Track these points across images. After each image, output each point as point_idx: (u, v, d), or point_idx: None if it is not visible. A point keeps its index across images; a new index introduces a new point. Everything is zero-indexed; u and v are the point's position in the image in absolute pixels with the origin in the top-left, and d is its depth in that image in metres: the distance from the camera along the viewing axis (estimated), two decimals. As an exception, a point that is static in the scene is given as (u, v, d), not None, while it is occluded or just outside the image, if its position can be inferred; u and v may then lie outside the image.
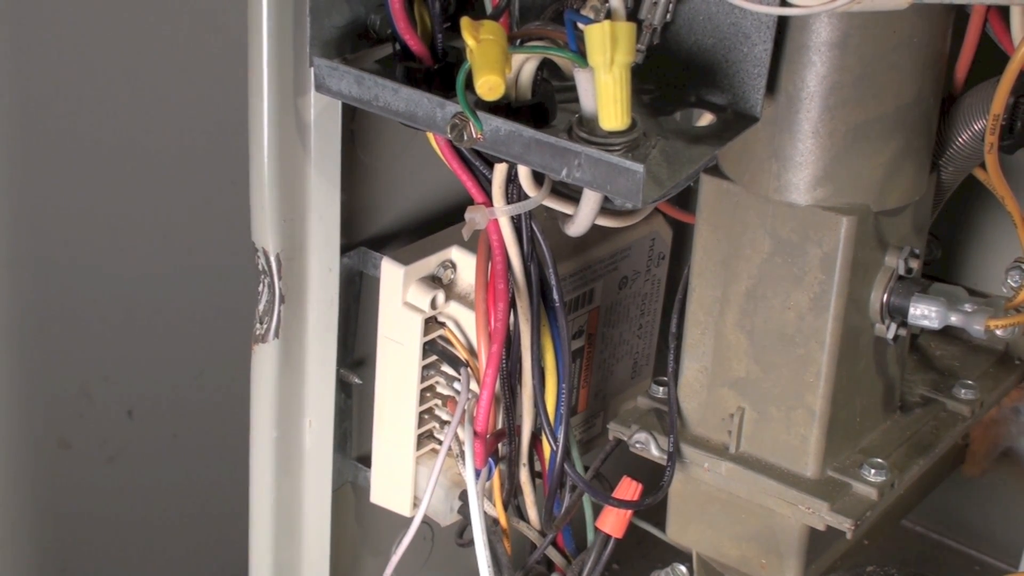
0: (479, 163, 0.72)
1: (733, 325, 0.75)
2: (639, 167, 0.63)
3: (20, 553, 1.07)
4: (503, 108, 0.66)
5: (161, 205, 1.01)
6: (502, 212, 0.72)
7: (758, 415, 0.76)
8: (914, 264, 0.75)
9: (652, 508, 0.77)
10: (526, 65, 0.66)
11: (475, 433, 0.77)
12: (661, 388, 0.80)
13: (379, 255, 0.78)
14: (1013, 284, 0.81)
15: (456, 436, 0.77)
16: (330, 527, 0.83)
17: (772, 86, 0.70)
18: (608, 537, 0.77)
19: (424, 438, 0.81)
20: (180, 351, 1.11)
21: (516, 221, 0.73)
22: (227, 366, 0.74)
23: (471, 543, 0.77)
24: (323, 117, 0.74)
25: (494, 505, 0.80)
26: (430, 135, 0.72)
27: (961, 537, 1.01)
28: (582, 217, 0.72)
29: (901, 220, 0.74)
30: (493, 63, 0.63)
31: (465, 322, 0.78)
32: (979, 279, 0.93)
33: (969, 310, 0.74)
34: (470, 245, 0.77)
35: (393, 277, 0.77)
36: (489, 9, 0.68)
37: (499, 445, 0.79)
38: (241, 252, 0.77)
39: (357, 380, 0.82)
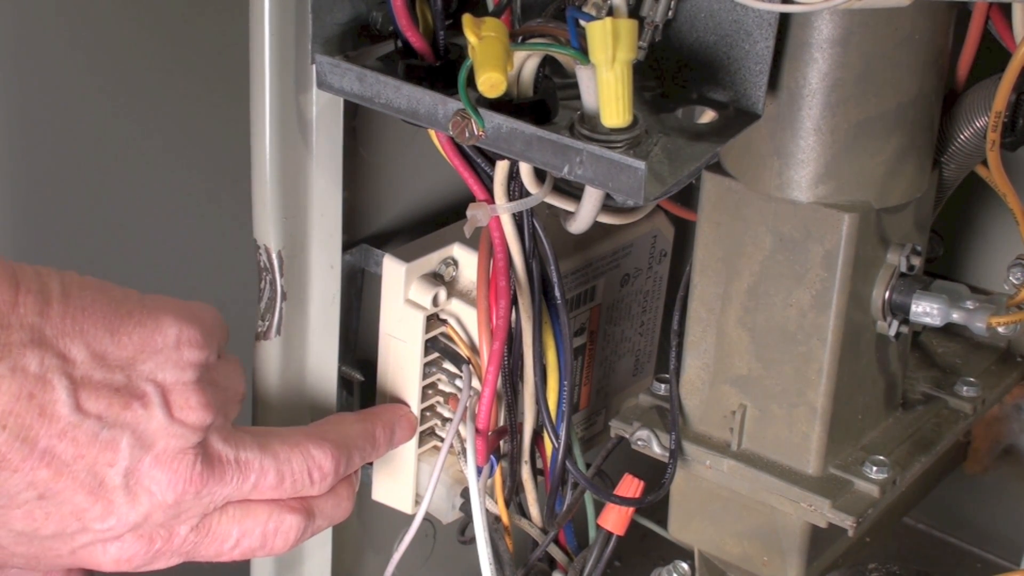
0: (481, 160, 0.72)
1: (735, 322, 0.75)
2: (641, 164, 0.63)
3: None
4: (505, 105, 0.66)
5: (162, 202, 1.01)
6: (504, 209, 0.72)
7: (760, 412, 0.76)
8: (916, 261, 0.75)
9: (654, 505, 0.77)
10: (528, 62, 0.66)
11: (477, 430, 0.77)
12: (663, 385, 0.80)
13: (381, 252, 0.78)
14: (1015, 281, 0.81)
15: (458, 433, 0.77)
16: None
17: (774, 83, 0.70)
18: (610, 534, 0.77)
19: (426, 435, 0.81)
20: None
21: (518, 218, 0.73)
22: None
23: (473, 540, 0.77)
24: (325, 114, 0.74)
25: (496, 502, 0.80)
26: (432, 132, 0.72)
27: (963, 534, 1.01)
28: (584, 214, 0.72)
29: (903, 217, 0.74)
30: (495, 60, 0.62)
31: (467, 319, 0.78)
32: (981, 276, 0.93)
33: (971, 307, 0.74)
34: (472, 242, 0.77)
35: (395, 274, 0.77)
36: (491, 6, 0.68)
37: (501, 442, 0.79)
38: (243, 249, 0.77)
39: (359, 377, 0.82)
